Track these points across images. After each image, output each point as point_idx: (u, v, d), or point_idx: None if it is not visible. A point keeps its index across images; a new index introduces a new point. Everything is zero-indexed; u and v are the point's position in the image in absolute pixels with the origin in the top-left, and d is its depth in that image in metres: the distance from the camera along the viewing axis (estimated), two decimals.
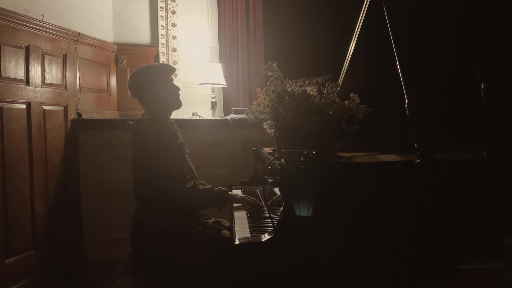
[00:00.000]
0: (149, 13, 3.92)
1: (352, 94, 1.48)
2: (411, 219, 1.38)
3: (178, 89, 2.00)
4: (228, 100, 4.02)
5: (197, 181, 1.97)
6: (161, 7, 3.90)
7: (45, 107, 2.77)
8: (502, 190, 1.43)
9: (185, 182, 1.85)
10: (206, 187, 1.97)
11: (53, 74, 2.87)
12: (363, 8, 1.63)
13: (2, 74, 2.46)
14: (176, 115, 2.07)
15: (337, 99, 1.47)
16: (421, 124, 1.39)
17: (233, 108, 3.47)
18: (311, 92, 1.50)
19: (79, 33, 3.11)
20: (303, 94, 1.48)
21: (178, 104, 2.01)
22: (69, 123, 2.97)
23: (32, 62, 2.66)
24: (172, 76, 2.02)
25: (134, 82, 1.96)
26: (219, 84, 3.69)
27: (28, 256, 2.61)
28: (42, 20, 2.75)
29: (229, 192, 2.02)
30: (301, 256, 1.32)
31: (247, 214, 1.80)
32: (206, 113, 3.72)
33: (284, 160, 1.39)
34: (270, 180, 1.44)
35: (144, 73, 1.97)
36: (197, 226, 1.93)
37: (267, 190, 1.67)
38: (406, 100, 1.41)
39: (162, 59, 3.88)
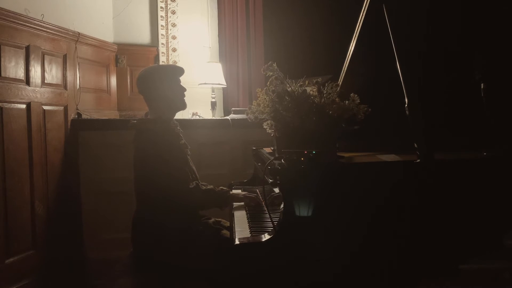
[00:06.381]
0: (149, 13, 3.92)
1: (352, 94, 1.48)
2: (411, 219, 1.38)
3: (184, 90, 2.01)
4: (228, 100, 4.02)
5: (199, 182, 1.98)
6: (161, 7, 3.90)
7: (45, 107, 2.77)
8: (502, 190, 1.43)
9: (187, 182, 1.86)
10: (208, 187, 1.98)
11: (53, 74, 2.87)
12: (363, 8, 1.63)
13: (2, 74, 2.46)
14: (176, 115, 2.08)
15: (337, 99, 1.47)
16: (421, 124, 1.39)
17: (233, 108, 3.47)
18: (311, 92, 1.50)
19: (79, 33, 3.10)
20: (303, 94, 1.48)
21: (183, 105, 2.02)
22: (69, 123, 2.97)
23: (32, 62, 2.66)
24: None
25: (141, 79, 1.99)
26: (219, 84, 3.69)
27: (28, 256, 2.61)
28: (42, 20, 2.75)
29: (231, 192, 2.02)
30: (301, 256, 1.32)
31: (247, 214, 1.80)
32: (206, 113, 3.72)
33: (284, 160, 1.39)
34: (270, 180, 1.44)
35: (152, 71, 2.01)
36: (197, 226, 1.93)
37: (267, 190, 1.67)
38: (406, 100, 1.41)
39: (162, 59, 3.88)
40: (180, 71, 2.03)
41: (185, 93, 2.03)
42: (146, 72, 1.99)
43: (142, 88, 1.98)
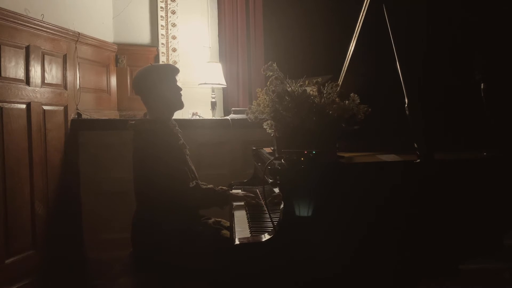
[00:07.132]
0: (149, 13, 3.92)
1: (352, 94, 1.48)
2: (411, 219, 1.38)
3: (180, 89, 2.01)
4: (228, 100, 4.02)
5: (199, 182, 1.98)
6: (161, 7, 3.90)
7: (45, 107, 2.77)
8: (502, 190, 1.43)
9: (187, 182, 1.86)
10: (208, 186, 1.98)
11: (53, 74, 2.87)
12: (363, 8, 1.63)
13: (2, 74, 2.46)
14: (176, 115, 2.08)
15: (337, 99, 1.47)
16: (421, 124, 1.39)
17: (233, 108, 3.47)
18: (311, 92, 1.50)
19: (79, 33, 3.10)
20: (303, 94, 1.48)
21: (180, 105, 2.02)
22: (69, 123, 2.97)
23: (32, 62, 2.66)
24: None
25: (138, 80, 1.99)
26: (219, 84, 3.69)
27: (28, 256, 2.61)
28: (42, 20, 2.75)
29: (231, 191, 2.02)
30: (301, 256, 1.32)
31: (247, 214, 1.80)
32: (206, 113, 3.72)
33: (284, 160, 1.39)
34: (270, 180, 1.44)
35: (149, 72, 2.00)
36: (197, 226, 1.93)
37: (267, 190, 1.67)
38: (406, 100, 1.41)
39: (162, 59, 3.88)
40: (176, 70, 2.03)
41: (184, 93, 2.03)
42: (145, 72, 1.99)
43: (141, 88, 1.98)
